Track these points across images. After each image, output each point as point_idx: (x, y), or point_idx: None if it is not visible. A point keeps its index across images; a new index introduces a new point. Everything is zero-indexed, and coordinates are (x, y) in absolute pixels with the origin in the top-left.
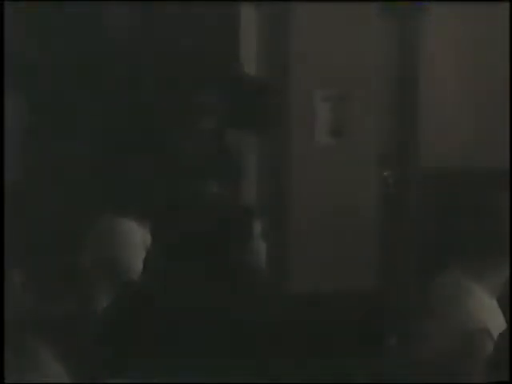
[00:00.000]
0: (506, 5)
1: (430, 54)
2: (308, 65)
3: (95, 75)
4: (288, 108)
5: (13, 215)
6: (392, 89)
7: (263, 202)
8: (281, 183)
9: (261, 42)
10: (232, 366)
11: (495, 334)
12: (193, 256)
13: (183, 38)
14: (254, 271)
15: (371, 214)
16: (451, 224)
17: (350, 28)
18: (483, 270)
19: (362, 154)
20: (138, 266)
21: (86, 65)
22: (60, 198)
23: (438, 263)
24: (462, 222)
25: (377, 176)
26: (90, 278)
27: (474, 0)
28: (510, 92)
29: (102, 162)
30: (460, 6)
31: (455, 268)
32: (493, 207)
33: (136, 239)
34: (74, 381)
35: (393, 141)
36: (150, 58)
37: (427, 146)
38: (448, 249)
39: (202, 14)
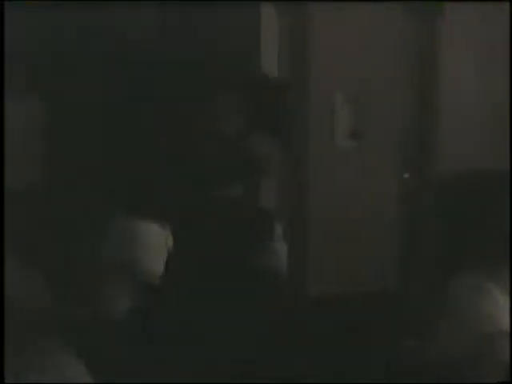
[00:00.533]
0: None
1: (451, 54)
2: (328, 66)
3: (112, 75)
4: (308, 110)
5: (33, 216)
6: (413, 90)
7: (283, 203)
8: (300, 186)
9: (281, 42)
10: (252, 368)
11: None
12: (213, 258)
13: (204, 39)
14: (274, 273)
15: (391, 216)
16: (470, 225)
17: (370, 28)
18: (502, 271)
19: (381, 156)
20: (159, 267)
21: (104, 65)
22: (80, 199)
23: (456, 264)
24: (480, 223)
25: (397, 178)
26: (110, 279)
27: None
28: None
29: (123, 162)
30: (479, 7)
31: (474, 269)
32: None
33: (157, 240)
34: (95, 381)
35: (413, 143)
36: (170, 59)
37: (448, 147)
38: (467, 250)
39: (223, 13)
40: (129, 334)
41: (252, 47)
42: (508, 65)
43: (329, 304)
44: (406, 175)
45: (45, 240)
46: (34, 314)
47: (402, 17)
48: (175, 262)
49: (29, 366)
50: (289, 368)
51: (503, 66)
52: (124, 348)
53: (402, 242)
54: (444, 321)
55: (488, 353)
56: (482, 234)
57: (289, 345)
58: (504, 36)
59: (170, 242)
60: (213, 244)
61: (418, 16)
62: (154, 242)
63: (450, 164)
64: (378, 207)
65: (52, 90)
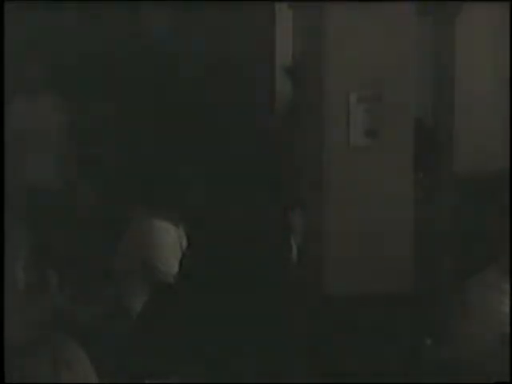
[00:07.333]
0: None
1: (466, 54)
2: (343, 65)
3: (145, 74)
4: (323, 109)
5: (49, 216)
6: (428, 89)
7: (299, 201)
8: (315, 185)
9: (296, 42)
10: (270, 366)
11: None
12: (228, 255)
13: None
14: (291, 270)
15: (406, 216)
16: (487, 226)
17: (385, 28)
18: None
19: (396, 156)
20: (174, 266)
21: (140, 62)
22: (96, 199)
23: (474, 265)
24: (497, 224)
25: (411, 177)
26: (126, 278)
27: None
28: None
29: (142, 162)
30: (496, 6)
31: (492, 270)
32: None
33: (172, 240)
34: (110, 381)
35: (428, 142)
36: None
37: (463, 147)
38: (484, 251)
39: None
40: (146, 332)
41: (268, 47)
42: None
43: (347, 304)
44: (421, 174)
45: (60, 239)
46: (48, 313)
47: (419, 16)
48: (191, 260)
49: (45, 365)
50: (309, 366)
51: None
52: (142, 346)
53: (419, 243)
54: (462, 321)
55: (505, 352)
56: (500, 234)
57: (308, 342)
58: None
59: (184, 242)
60: (229, 240)
61: (434, 16)
62: (169, 241)
63: (467, 164)
64: (393, 206)
65: (91, 89)
